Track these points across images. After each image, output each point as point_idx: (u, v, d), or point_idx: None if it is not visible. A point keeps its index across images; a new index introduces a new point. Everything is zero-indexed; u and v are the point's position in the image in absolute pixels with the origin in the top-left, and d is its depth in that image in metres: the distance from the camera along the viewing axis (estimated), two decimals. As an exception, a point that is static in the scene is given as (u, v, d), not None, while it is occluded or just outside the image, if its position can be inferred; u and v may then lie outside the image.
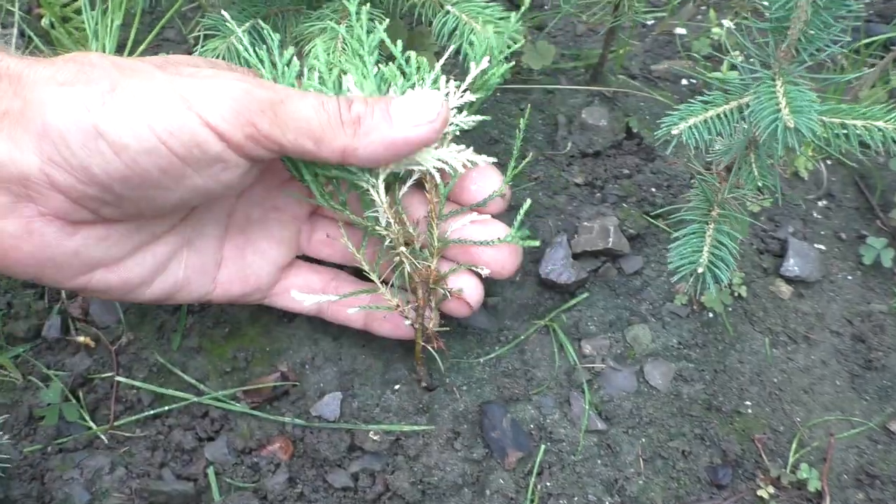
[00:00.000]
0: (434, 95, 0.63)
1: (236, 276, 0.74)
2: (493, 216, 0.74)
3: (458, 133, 0.70)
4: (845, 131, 0.61)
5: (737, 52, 1.06)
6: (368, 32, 0.71)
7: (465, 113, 0.70)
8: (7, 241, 0.58)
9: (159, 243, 0.68)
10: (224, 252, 0.74)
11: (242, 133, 0.58)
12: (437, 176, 0.69)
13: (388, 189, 0.69)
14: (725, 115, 0.59)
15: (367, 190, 0.68)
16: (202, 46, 0.89)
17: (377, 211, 0.69)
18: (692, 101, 0.60)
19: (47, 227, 0.59)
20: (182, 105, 0.57)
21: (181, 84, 0.58)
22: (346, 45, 0.73)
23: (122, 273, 0.66)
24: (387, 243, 0.70)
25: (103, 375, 0.80)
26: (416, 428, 0.77)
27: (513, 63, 0.73)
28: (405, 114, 0.62)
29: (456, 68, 1.05)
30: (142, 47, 1.03)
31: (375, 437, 0.76)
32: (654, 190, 0.94)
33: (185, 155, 0.57)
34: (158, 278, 0.69)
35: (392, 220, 0.69)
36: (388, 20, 0.73)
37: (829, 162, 1.00)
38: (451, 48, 0.76)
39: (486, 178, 0.73)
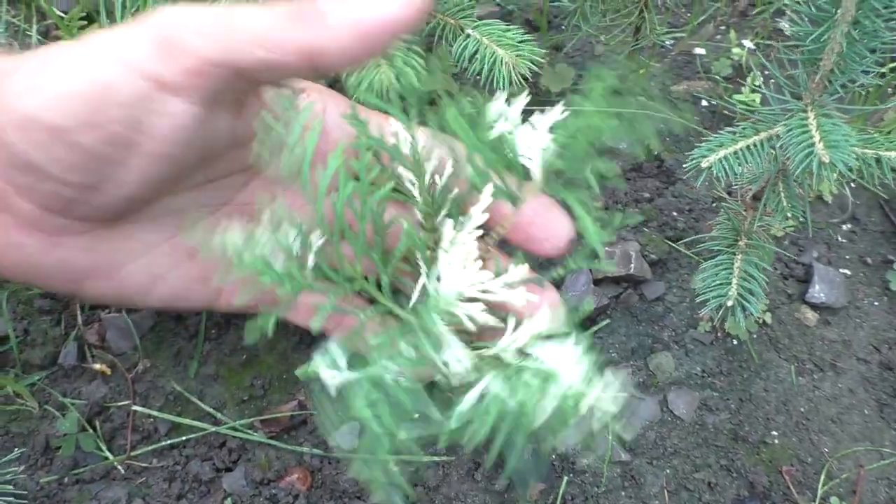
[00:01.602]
0: None
1: None
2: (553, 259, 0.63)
3: None
4: (878, 160, 0.60)
5: (758, 72, 1.04)
6: None
7: None
8: None
9: (154, 253, 0.63)
10: None
11: (178, 65, 0.50)
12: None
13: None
14: (755, 146, 0.58)
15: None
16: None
17: None
18: (721, 131, 0.59)
19: (28, 240, 0.56)
20: (109, 59, 0.50)
21: (109, 40, 0.51)
22: None
23: (114, 283, 0.62)
24: None
25: (120, 404, 0.79)
26: (435, 458, 0.76)
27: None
28: None
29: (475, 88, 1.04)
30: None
31: (395, 468, 0.75)
32: (675, 214, 0.92)
33: (122, 116, 0.51)
34: (156, 289, 0.64)
35: None
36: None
37: (853, 185, 0.98)
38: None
39: (550, 220, 0.62)
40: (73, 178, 0.53)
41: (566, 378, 0.47)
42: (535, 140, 0.56)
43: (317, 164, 0.62)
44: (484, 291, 0.52)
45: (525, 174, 0.57)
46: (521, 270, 0.54)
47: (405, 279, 0.62)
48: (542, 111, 0.57)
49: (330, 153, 0.60)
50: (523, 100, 0.58)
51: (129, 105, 0.51)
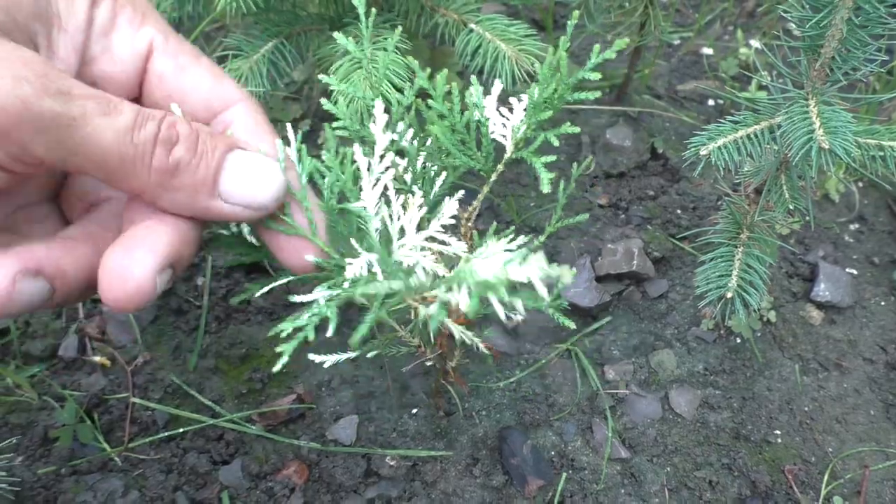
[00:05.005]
0: (273, 173, 0.50)
1: None
2: None
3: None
4: (882, 153, 0.59)
5: (766, 73, 1.04)
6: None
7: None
8: None
9: None
10: None
11: (3, 152, 0.43)
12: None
13: None
14: (756, 136, 0.58)
15: None
16: (226, 67, 0.89)
17: None
18: (721, 120, 0.58)
19: None
20: None
21: None
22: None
23: None
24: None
25: (119, 396, 0.79)
26: (433, 453, 0.75)
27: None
28: (232, 188, 0.49)
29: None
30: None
31: (392, 463, 0.74)
32: (679, 212, 0.92)
33: None
34: None
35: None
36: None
37: (860, 184, 0.97)
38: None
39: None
40: None
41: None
42: (510, 120, 0.56)
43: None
44: (429, 239, 0.52)
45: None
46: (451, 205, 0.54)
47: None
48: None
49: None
50: (499, 87, 0.58)
51: None
